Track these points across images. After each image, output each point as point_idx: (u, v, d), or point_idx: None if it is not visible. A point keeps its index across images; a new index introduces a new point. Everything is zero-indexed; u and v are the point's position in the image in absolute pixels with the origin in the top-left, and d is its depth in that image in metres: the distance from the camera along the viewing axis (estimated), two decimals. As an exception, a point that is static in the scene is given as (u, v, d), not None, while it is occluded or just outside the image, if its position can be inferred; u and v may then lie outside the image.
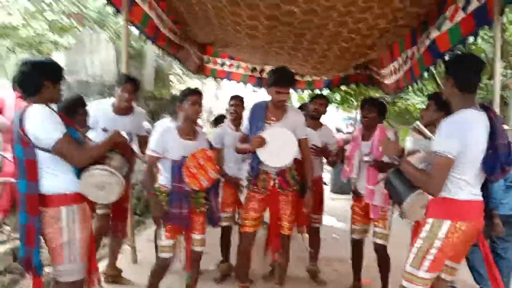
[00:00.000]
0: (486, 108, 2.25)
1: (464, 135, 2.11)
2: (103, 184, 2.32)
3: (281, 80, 3.07)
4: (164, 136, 2.95)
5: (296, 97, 9.38)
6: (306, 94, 8.10)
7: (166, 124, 3.28)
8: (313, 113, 4.01)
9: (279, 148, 3.03)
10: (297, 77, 6.59)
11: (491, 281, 2.33)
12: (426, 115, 3.21)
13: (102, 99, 4.00)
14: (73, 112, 2.80)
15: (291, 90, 3.52)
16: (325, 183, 10.55)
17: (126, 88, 3.39)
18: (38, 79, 2.22)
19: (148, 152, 2.98)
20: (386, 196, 3.27)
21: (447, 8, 3.37)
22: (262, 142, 3.01)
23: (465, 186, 2.18)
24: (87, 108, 3.06)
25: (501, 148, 2.16)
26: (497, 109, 3.55)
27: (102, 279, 3.62)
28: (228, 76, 6.72)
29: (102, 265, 3.86)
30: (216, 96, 15.45)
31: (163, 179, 3.00)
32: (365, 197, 3.43)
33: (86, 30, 6.95)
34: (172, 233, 2.96)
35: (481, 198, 2.26)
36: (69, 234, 2.21)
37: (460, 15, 3.21)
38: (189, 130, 3.04)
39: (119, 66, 5.98)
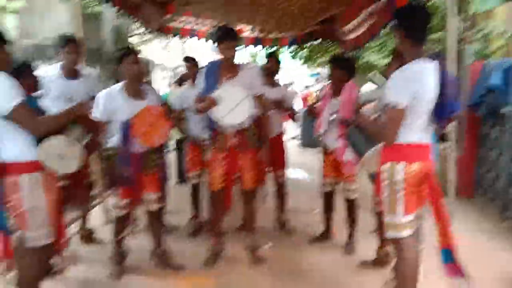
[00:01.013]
0: (435, 58, 2.33)
1: (414, 85, 2.19)
2: (62, 154, 2.33)
3: (223, 36, 3.11)
4: (107, 101, 2.92)
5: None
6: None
7: (111, 88, 3.12)
8: (267, 71, 4.03)
9: (233, 106, 3.06)
10: (262, 35, 6.55)
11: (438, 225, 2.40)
12: (389, 72, 3.26)
13: (49, 65, 3.78)
14: (17, 78, 2.56)
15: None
16: (294, 138, 10.83)
17: (70, 49, 3.28)
18: None
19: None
20: None
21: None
22: (213, 103, 3.06)
23: (416, 131, 2.29)
24: (34, 73, 2.88)
25: (449, 96, 2.27)
26: (452, 62, 3.72)
27: (77, 239, 3.74)
28: (193, 33, 6.58)
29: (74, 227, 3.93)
30: (182, 55, 15.12)
31: (114, 140, 2.99)
32: (336, 154, 3.51)
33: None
34: (125, 194, 3.03)
35: (430, 143, 2.38)
36: (32, 201, 2.20)
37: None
38: (136, 90, 3.02)
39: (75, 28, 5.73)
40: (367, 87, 3.16)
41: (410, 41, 2.28)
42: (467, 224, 4.43)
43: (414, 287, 2.38)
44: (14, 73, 2.31)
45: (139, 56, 3.01)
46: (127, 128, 2.87)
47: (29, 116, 2.17)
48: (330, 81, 3.72)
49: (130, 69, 2.94)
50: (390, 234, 2.37)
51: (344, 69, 3.53)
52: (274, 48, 7.40)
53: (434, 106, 2.29)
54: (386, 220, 2.38)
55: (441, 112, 2.30)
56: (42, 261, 2.41)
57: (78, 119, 2.54)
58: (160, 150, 3.12)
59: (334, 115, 3.41)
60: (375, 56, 7.92)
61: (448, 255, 2.31)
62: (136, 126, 2.87)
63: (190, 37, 6.64)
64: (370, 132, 2.43)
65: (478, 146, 5.30)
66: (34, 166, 2.23)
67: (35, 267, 2.34)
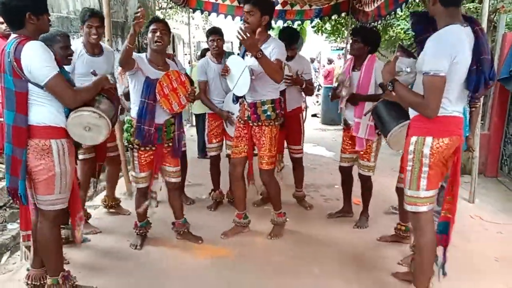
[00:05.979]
0: (471, 20, 2.18)
1: (452, 52, 2.04)
2: (91, 125, 2.37)
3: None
4: (139, 57, 2.92)
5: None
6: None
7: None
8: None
9: (238, 77, 3.10)
10: (287, 7, 6.42)
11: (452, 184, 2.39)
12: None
13: (74, 40, 3.76)
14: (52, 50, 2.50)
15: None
16: (316, 115, 10.72)
17: (93, 22, 3.21)
18: (19, 12, 2.13)
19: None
20: (371, 129, 3.34)
21: None
22: (225, 70, 3.20)
23: (448, 104, 2.16)
24: (70, 45, 2.87)
25: (486, 63, 2.14)
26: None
27: (104, 209, 3.89)
28: (215, 8, 6.50)
29: (99, 198, 4.08)
30: (204, 30, 15.05)
31: (134, 111, 3.00)
32: (353, 129, 3.47)
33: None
34: (145, 167, 3.07)
35: (462, 116, 2.27)
36: (60, 165, 2.27)
37: None
38: (159, 61, 3.01)
39: (101, 1, 5.76)
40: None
41: (444, 5, 2.11)
42: (490, 203, 4.35)
43: (432, 260, 2.38)
44: (48, 43, 2.32)
45: (165, 25, 2.96)
46: (153, 86, 2.88)
47: (66, 87, 2.23)
48: (350, 54, 3.63)
49: (151, 37, 2.91)
50: (410, 207, 2.35)
51: (365, 42, 3.40)
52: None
53: (471, 74, 2.14)
54: (407, 193, 2.34)
55: (478, 80, 2.15)
56: (59, 225, 2.50)
57: (103, 92, 2.56)
58: (179, 123, 3.14)
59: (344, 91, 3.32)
60: (403, 25, 7.66)
61: (445, 227, 2.41)
62: (162, 85, 2.90)
63: (212, 12, 6.57)
64: (408, 102, 2.27)
65: (506, 122, 5.14)
66: (62, 133, 2.30)
67: (55, 232, 2.42)
